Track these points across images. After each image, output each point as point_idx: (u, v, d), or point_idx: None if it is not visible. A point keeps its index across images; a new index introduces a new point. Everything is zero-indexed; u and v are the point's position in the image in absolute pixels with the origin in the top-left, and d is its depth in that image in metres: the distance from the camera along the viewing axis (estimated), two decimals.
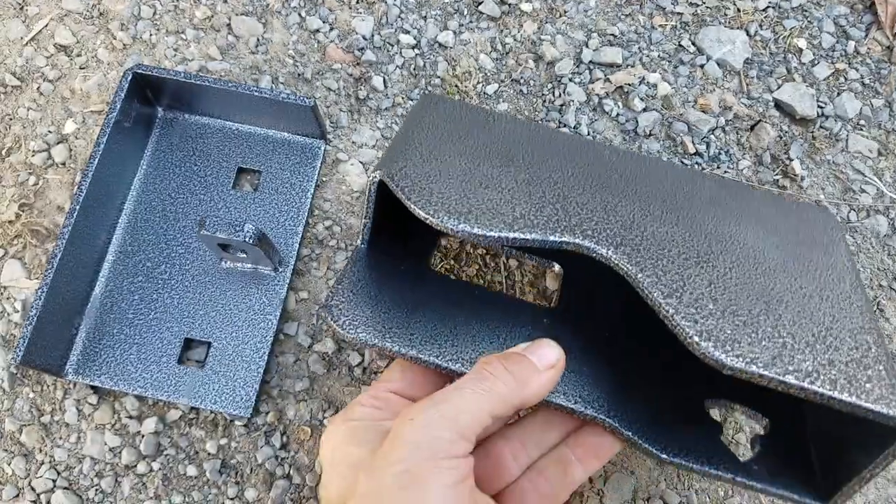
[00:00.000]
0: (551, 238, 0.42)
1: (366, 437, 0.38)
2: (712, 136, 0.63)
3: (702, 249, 0.45)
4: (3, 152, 0.64)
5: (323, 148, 0.62)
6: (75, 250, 0.55)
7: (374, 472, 0.33)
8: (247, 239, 0.52)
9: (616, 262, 0.42)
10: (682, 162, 0.62)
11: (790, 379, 0.37)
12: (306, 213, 0.61)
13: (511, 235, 0.41)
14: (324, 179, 0.63)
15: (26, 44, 0.66)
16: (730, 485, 0.46)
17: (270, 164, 0.62)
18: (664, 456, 0.43)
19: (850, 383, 0.37)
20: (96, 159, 0.56)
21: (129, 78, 0.58)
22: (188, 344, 0.58)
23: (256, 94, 0.58)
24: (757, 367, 0.37)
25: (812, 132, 0.63)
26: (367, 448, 0.36)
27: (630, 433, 0.43)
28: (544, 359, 0.38)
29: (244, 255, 0.57)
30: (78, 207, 0.55)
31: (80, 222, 0.55)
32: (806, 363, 0.38)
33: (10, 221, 0.62)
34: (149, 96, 0.61)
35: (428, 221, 0.42)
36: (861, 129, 0.63)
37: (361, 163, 0.63)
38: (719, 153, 0.63)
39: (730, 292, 0.42)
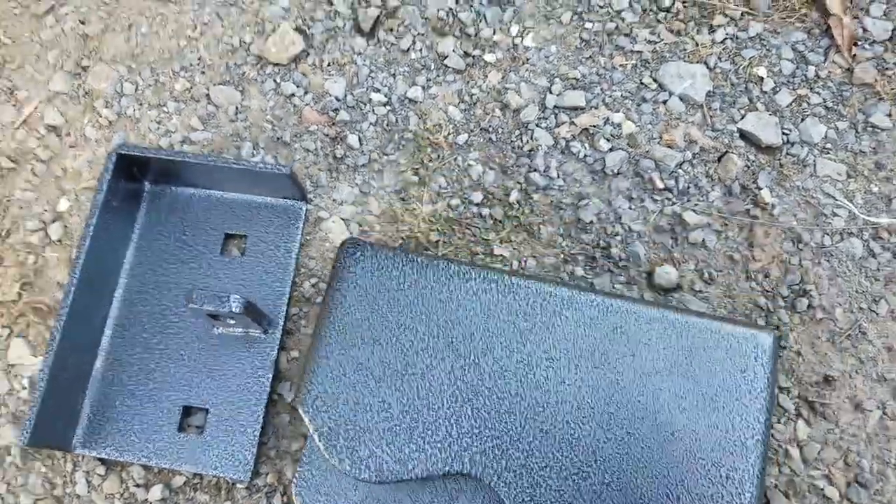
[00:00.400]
0: (440, 471, 0.50)
1: None
2: (680, 171, 0.65)
3: (584, 479, 0.49)
4: (3, 234, 0.67)
5: (304, 208, 0.65)
6: (75, 327, 0.58)
7: None
8: (233, 309, 0.55)
9: (498, 492, 0.50)
10: (651, 198, 0.64)
11: None
12: (292, 273, 0.64)
13: (406, 478, 0.51)
14: (307, 238, 0.65)
15: (18, 127, 0.70)
16: None
17: (255, 227, 0.65)
18: None
19: None
20: (88, 239, 0.59)
21: (114, 159, 0.61)
22: (187, 411, 0.61)
23: (235, 165, 0.60)
24: None
25: (779, 160, 0.65)
26: None
27: None
28: None
29: (233, 321, 0.60)
30: (74, 287, 0.58)
31: (77, 300, 0.58)
32: None
33: (13, 301, 0.65)
34: (135, 173, 0.64)
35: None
36: (828, 153, 0.65)
37: (343, 219, 0.65)
38: (688, 187, 0.64)
39: None
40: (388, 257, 0.55)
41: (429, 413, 0.51)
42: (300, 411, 0.53)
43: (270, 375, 0.60)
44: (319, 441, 0.52)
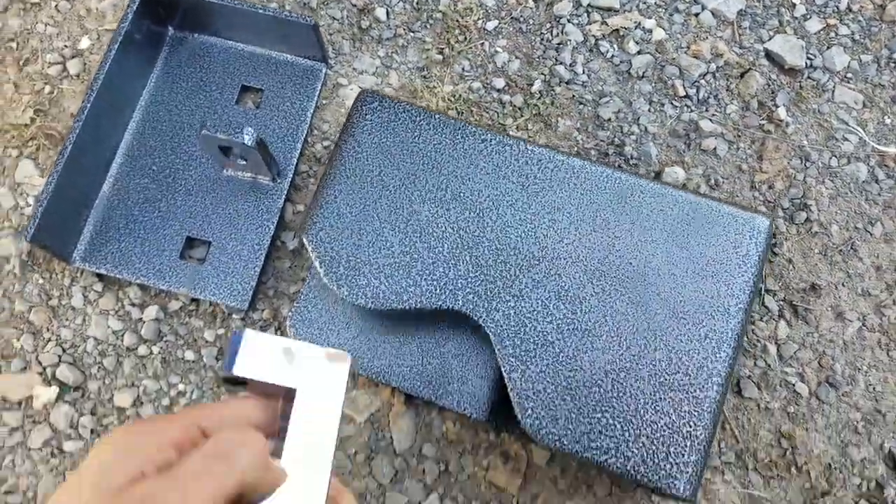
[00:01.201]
0: (433, 305, 0.61)
1: (138, 462, 0.35)
2: (702, 81, 0.76)
3: (568, 325, 0.60)
4: (21, 62, 0.78)
5: (324, 71, 0.76)
6: (85, 146, 0.69)
7: None
8: (245, 142, 0.65)
9: (486, 328, 0.60)
10: (671, 104, 0.75)
11: (588, 455, 0.57)
12: (305, 131, 0.74)
13: (399, 307, 0.61)
14: (324, 102, 0.76)
15: None
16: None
17: (273, 83, 0.76)
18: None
19: (643, 468, 0.56)
20: (107, 64, 0.70)
21: None
22: (190, 242, 0.72)
23: (262, 12, 0.71)
24: (561, 445, 0.57)
25: (800, 82, 0.76)
26: (125, 475, 0.34)
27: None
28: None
29: (244, 163, 0.70)
30: (87, 109, 0.69)
31: (90, 121, 0.69)
32: (608, 445, 0.57)
33: (25, 125, 0.75)
34: (161, 15, 0.75)
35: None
36: (848, 82, 0.76)
37: (361, 88, 0.76)
38: (708, 97, 0.75)
39: (572, 374, 0.59)
40: (404, 110, 0.66)
41: (428, 255, 0.62)
42: (304, 240, 0.63)
43: (276, 220, 0.71)
44: (321, 268, 0.62)
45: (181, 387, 0.69)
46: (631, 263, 0.61)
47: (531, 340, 0.59)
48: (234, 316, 0.70)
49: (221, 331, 0.70)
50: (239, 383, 0.43)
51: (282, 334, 0.69)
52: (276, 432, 0.40)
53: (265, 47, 0.77)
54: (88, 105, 0.68)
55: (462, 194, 0.63)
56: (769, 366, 0.68)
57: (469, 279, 0.61)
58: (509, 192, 0.63)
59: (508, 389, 0.58)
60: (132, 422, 0.39)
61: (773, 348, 0.68)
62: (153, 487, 0.33)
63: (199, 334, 0.70)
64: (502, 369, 0.59)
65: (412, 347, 0.66)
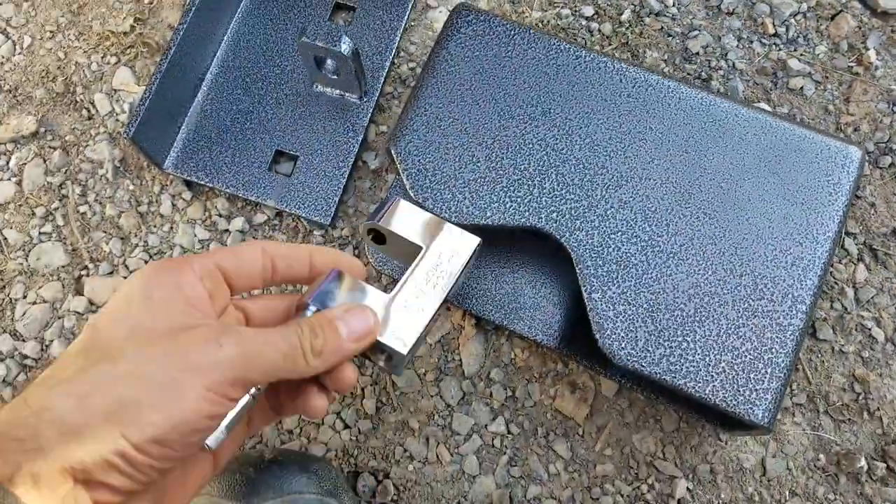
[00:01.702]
0: (515, 222, 0.60)
1: (173, 311, 0.38)
2: (793, 21, 0.75)
3: (652, 246, 0.59)
4: None
5: None
6: (183, 56, 0.69)
7: (145, 357, 0.36)
8: (343, 50, 0.65)
9: (568, 248, 0.59)
10: (760, 41, 0.74)
11: (666, 378, 0.56)
12: (393, 52, 0.74)
13: (482, 223, 0.61)
14: (412, 24, 0.76)
15: None
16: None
17: (365, 2, 0.76)
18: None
19: (721, 392, 0.56)
20: None
21: None
22: (277, 156, 0.72)
23: None
24: (639, 367, 0.56)
25: (892, 25, 0.74)
26: (163, 322, 0.38)
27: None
28: (354, 331, 0.42)
29: (335, 78, 0.71)
30: (188, 19, 0.69)
31: (189, 32, 0.69)
32: (688, 369, 0.56)
33: (124, 33, 0.77)
34: None
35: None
36: None
37: (450, 10, 0.76)
38: (797, 37, 0.74)
39: (654, 296, 0.58)
40: (499, 24, 0.66)
41: (514, 172, 0.62)
42: (391, 151, 0.64)
43: (361, 137, 0.71)
44: (406, 180, 0.63)
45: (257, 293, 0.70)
46: (720, 187, 0.60)
47: (614, 261, 0.59)
48: (315, 232, 0.72)
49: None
50: (379, 240, 0.55)
51: (359, 253, 0.71)
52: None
53: None
54: (189, 17, 0.69)
55: (552, 112, 0.63)
56: (846, 309, 0.67)
57: (554, 198, 0.61)
58: (600, 111, 0.63)
59: (588, 310, 0.58)
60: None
61: (850, 291, 0.68)
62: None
63: None
64: (582, 290, 0.58)
65: (486, 271, 0.66)
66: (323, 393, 0.44)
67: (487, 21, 0.65)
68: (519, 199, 0.61)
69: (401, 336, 0.45)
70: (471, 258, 0.52)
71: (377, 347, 0.45)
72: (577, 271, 0.59)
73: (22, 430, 0.33)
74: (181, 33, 0.68)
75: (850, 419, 0.65)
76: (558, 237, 0.60)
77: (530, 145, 0.62)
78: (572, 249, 0.59)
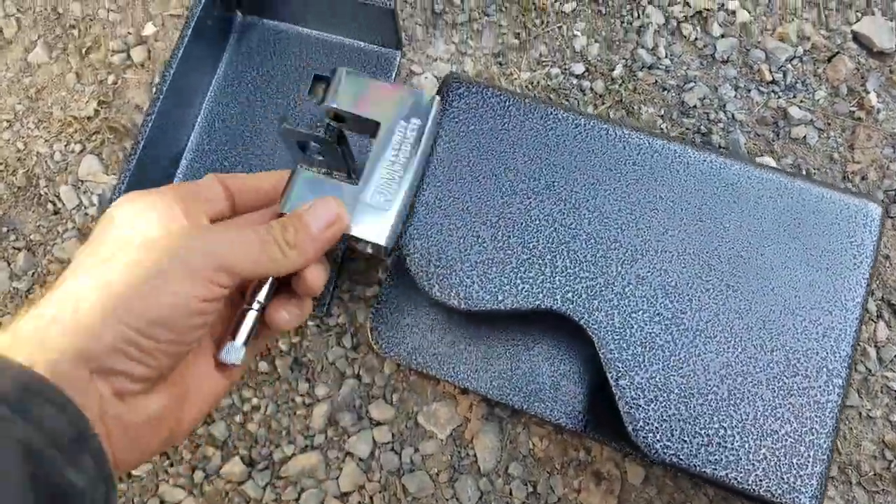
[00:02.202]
0: (529, 306, 0.56)
1: (152, 223, 0.42)
2: (789, 66, 0.72)
3: (677, 324, 0.56)
4: (83, 51, 0.74)
5: (398, 57, 0.72)
6: (155, 144, 0.64)
7: (133, 257, 0.39)
8: (328, 136, 0.61)
9: (588, 331, 0.55)
10: (758, 89, 0.71)
11: (706, 470, 0.52)
12: None
13: (494, 308, 0.57)
14: None
15: None
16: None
17: None
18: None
19: (765, 482, 0.52)
20: (179, 53, 0.65)
21: None
22: None
23: None
24: (678, 460, 0.52)
25: (890, 66, 0.72)
26: (143, 234, 0.41)
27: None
28: (321, 219, 0.47)
29: (321, 159, 0.66)
30: (158, 104, 0.64)
31: (159, 119, 0.64)
32: (728, 458, 0.53)
33: (88, 118, 0.71)
34: (230, 0, 0.71)
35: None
36: None
37: (435, 76, 0.72)
38: (795, 83, 0.71)
39: (685, 380, 0.54)
40: (493, 95, 0.62)
41: (523, 251, 0.58)
42: None
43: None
44: (410, 266, 0.58)
45: (255, 401, 0.65)
46: (741, 255, 0.57)
47: (638, 343, 0.55)
48: (309, 323, 0.67)
49: (296, 338, 0.66)
50: (337, 119, 0.54)
51: (359, 342, 0.66)
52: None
53: (337, 34, 0.72)
54: (160, 98, 0.64)
55: (556, 184, 0.59)
56: (869, 371, 0.64)
57: (568, 276, 0.57)
58: (606, 181, 0.59)
59: (616, 399, 0.54)
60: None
61: (872, 351, 0.65)
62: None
63: (274, 343, 0.66)
64: (608, 377, 0.54)
65: (499, 351, 0.62)
66: (292, 304, 0.48)
67: (480, 92, 0.62)
68: (531, 281, 0.57)
69: (377, 224, 0.50)
70: (432, 118, 0.53)
71: (359, 240, 0.49)
72: (601, 356, 0.55)
73: (35, 336, 0.37)
74: (150, 122, 0.63)
75: (883, 489, 0.62)
76: (577, 319, 0.56)
77: (537, 222, 0.59)
78: (593, 332, 0.56)
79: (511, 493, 0.62)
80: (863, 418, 0.63)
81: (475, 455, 0.63)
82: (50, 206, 0.70)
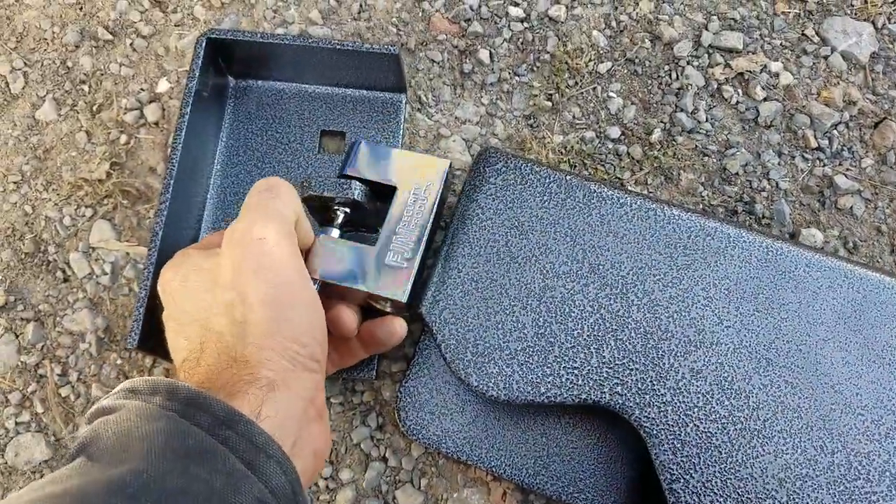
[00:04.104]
0: (574, 399, 0.54)
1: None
2: (835, 132, 0.69)
3: (734, 423, 0.53)
4: (94, 108, 0.70)
5: (404, 100, 0.68)
6: (172, 226, 0.60)
7: (231, 251, 0.46)
8: (356, 197, 0.57)
9: (638, 428, 0.53)
10: (802, 156, 0.68)
11: None
12: None
13: (537, 400, 0.54)
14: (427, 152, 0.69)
15: None
16: None
17: (353, 123, 0.68)
18: None
19: None
20: (183, 128, 0.60)
21: (204, 45, 0.62)
22: None
23: (339, 47, 0.62)
24: None
25: None
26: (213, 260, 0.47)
27: None
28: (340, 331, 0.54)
29: (344, 218, 0.63)
30: (173, 180, 0.59)
31: (175, 193, 0.60)
32: None
33: (100, 180, 0.68)
34: (220, 65, 0.67)
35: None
36: None
37: (464, 139, 0.69)
38: (842, 149, 0.68)
39: (743, 484, 0.51)
40: (532, 171, 0.59)
41: (567, 339, 0.55)
42: (425, 318, 0.56)
43: None
44: (445, 353, 0.55)
45: None
46: (800, 350, 0.54)
47: (693, 443, 0.52)
48: (332, 401, 0.63)
49: None
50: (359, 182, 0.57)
51: (385, 421, 0.63)
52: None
53: (338, 85, 0.68)
54: (172, 180, 0.59)
55: (602, 267, 0.56)
56: None
57: (616, 368, 0.54)
58: (656, 266, 0.56)
59: (668, 503, 0.51)
60: None
61: None
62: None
63: None
64: (661, 479, 0.51)
65: (535, 435, 0.58)
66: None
67: (518, 166, 0.59)
68: (576, 372, 0.54)
69: (397, 282, 0.53)
70: (444, 183, 0.57)
71: (380, 298, 0.53)
72: (653, 456, 0.52)
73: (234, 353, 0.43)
74: (167, 203, 0.59)
75: None
76: (626, 416, 0.53)
77: (581, 306, 0.55)
78: (644, 430, 0.53)
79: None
80: None
81: None
82: (59, 273, 0.66)
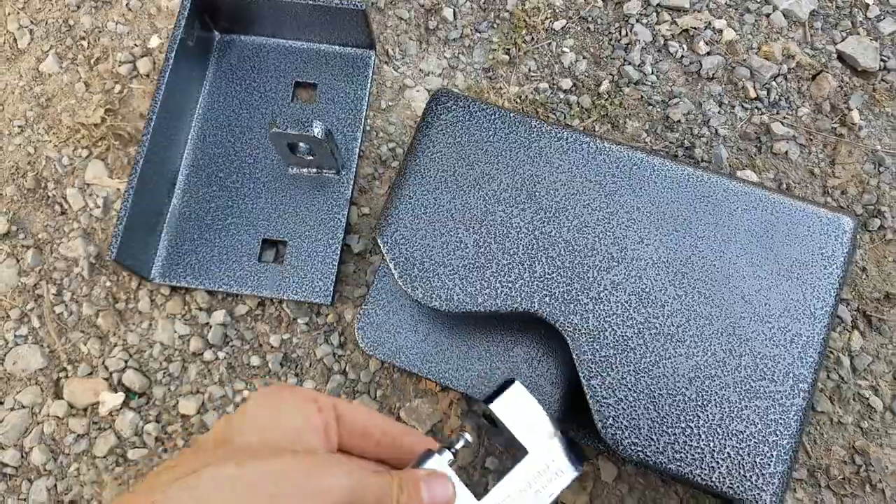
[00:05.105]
0: (508, 308, 0.60)
1: (293, 431, 0.42)
2: (774, 83, 0.75)
3: (649, 329, 0.59)
4: (92, 62, 0.78)
5: (373, 56, 0.76)
6: (153, 162, 0.68)
7: (265, 471, 0.38)
8: (316, 134, 0.64)
9: (563, 333, 0.59)
10: (742, 106, 0.74)
11: (672, 466, 0.55)
12: (363, 121, 0.74)
13: (474, 309, 0.60)
14: (390, 104, 0.76)
15: None
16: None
17: (325, 76, 0.76)
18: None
19: (728, 479, 0.55)
20: (166, 74, 0.69)
21: None
22: (265, 245, 0.71)
23: (312, 3, 0.70)
24: (644, 457, 0.55)
25: (873, 84, 0.74)
26: (287, 442, 0.41)
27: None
28: (434, 497, 0.45)
29: (310, 158, 0.70)
30: (155, 115, 0.68)
31: (157, 131, 0.68)
32: (693, 456, 0.55)
33: (95, 125, 0.75)
34: (206, 20, 0.75)
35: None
36: None
37: (427, 90, 0.76)
38: (779, 100, 0.74)
39: (655, 381, 0.57)
40: (480, 109, 0.65)
41: (503, 256, 0.61)
42: (378, 241, 0.63)
43: (345, 211, 0.70)
44: (395, 270, 0.62)
45: (246, 393, 0.68)
46: (714, 265, 0.59)
47: (611, 345, 0.58)
48: (298, 321, 0.70)
49: (287, 335, 0.69)
50: (490, 421, 0.54)
51: (346, 340, 0.69)
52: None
53: (313, 41, 0.76)
54: (153, 118, 0.67)
55: (538, 193, 0.63)
56: (842, 378, 0.66)
57: (545, 281, 0.60)
58: (586, 191, 0.62)
59: (588, 398, 0.57)
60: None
61: (846, 360, 0.67)
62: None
63: (265, 339, 0.69)
64: (580, 376, 0.57)
65: (480, 352, 0.65)
66: None
67: (467, 105, 0.65)
68: (510, 285, 0.60)
69: None
70: (571, 484, 0.51)
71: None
72: (574, 357, 0.58)
73: None
74: (147, 138, 0.67)
75: (852, 493, 0.64)
76: (552, 321, 0.59)
77: (518, 229, 0.61)
78: (567, 334, 0.59)
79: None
80: (834, 424, 0.65)
81: None
82: (57, 207, 0.73)
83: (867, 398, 0.66)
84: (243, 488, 0.37)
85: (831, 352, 0.67)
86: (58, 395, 0.68)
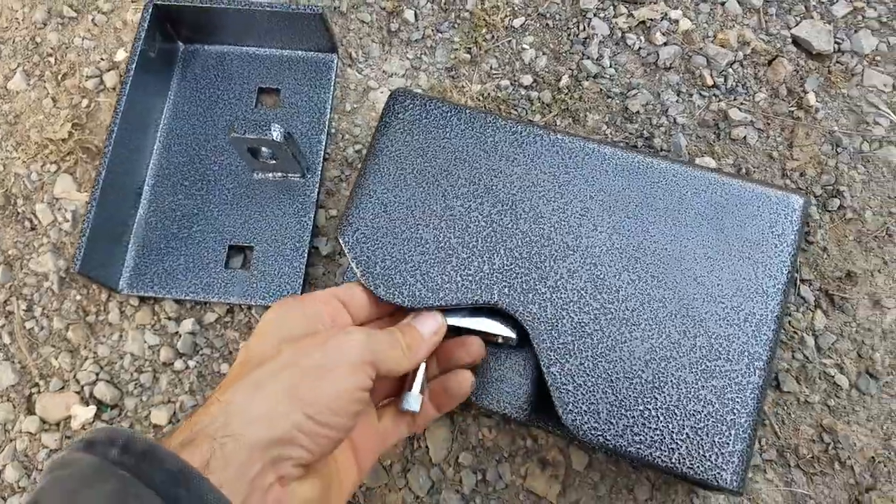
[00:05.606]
0: (469, 301, 0.61)
1: (306, 325, 0.52)
2: (730, 70, 0.76)
3: (605, 314, 0.60)
4: (59, 77, 0.79)
5: (335, 59, 0.77)
6: (117, 171, 0.70)
7: (298, 352, 0.47)
8: (275, 137, 0.66)
9: (522, 322, 0.60)
10: (699, 94, 0.75)
11: (631, 449, 0.56)
12: (327, 123, 0.75)
13: (436, 304, 0.61)
14: (355, 106, 0.77)
15: None
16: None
17: (288, 81, 0.77)
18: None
19: (688, 460, 0.56)
20: (127, 86, 0.71)
21: (150, 10, 0.73)
22: (231, 252, 0.72)
23: (269, 9, 0.72)
24: (604, 440, 0.57)
25: (828, 67, 0.76)
26: (300, 332, 0.51)
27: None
28: (428, 328, 0.57)
29: (273, 162, 0.71)
30: (117, 128, 0.69)
31: (119, 143, 0.70)
32: (652, 438, 0.56)
33: (63, 139, 0.77)
34: (169, 30, 0.77)
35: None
36: (877, 65, 0.75)
37: (391, 91, 0.77)
38: (736, 86, 0.75)
39: (612, 365, 0.59)
40: (436, 106, 0.67)
41: (463, 250, 0.62)
42: (340, 241, 0.64)
43: (312, 214, 0.72)
44: (357, 268, 0.63)
45: None
46: (666, 249, 0.61)
47: (569, 332, 0.59)
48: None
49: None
50: None
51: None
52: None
53: (275, 47, 0.78)
54: (115, 130, 0.69)
55: (495, 187, 0.64)
56: (807, 358, 0.68)
57: (504, 273, 0.61)
58: (541, 183, 0.63)
59: (548, 384, 0.58)
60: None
61: (810, 340, 0.68)
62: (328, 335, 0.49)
63: (235, 346, 0.70)
64: (540, 363, 0.59)
65: None
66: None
67: (424, 104, 0.66)
68: (471, 277, 0.61)
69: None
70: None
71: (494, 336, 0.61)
72: (535, 345, 0.59)
73: (214, 424, 0.41)
74: (110, 148, 0.69)
75: (821, 471, 0.65)
76: (512, 312, 0.60)
77: (476, 222, 0.63)
78: (526, 323, 0.60)
79: (461, 482, 0.66)
80: (801, 403, 0.66)
81: (427, 446, 0.67)
82: (27, 223, 0.75)
83: (833, 376, 0.67)
84: (287, 369, 0.45)
85: (795, 332, 0.68)
86: (30, 411, 0.70)
